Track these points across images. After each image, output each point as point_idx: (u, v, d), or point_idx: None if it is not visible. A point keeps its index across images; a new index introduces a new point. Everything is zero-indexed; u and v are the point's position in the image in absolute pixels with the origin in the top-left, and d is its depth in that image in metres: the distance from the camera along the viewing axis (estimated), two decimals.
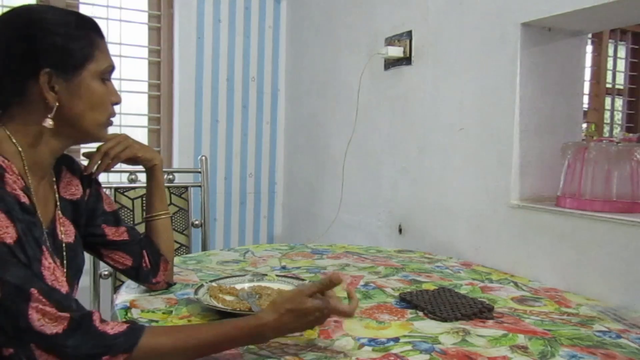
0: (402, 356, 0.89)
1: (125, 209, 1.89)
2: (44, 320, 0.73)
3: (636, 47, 3.75)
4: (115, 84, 1.00)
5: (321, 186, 2.57)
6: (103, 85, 0.93)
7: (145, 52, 2.67)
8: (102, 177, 1.15)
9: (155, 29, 2.68)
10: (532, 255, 1.46)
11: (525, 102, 1.51)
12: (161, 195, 1.19)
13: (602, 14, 1.35)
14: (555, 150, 1.53)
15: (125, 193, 1.91)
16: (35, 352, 0.73)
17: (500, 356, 0.91)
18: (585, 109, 3.40)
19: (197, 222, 2.07)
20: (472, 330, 1.02)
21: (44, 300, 0.74)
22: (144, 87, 2.69)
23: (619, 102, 3.75)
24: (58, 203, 0.98)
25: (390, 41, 2.00)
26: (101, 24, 0.96)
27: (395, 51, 1.94)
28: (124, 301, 1.12)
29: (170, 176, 2.00)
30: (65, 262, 0.96)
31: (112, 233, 1.10)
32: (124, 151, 1.09)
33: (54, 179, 0.99)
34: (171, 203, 1.96)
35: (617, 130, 3.70)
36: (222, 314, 1.02)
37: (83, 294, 1.10)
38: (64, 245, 0.96)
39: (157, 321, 1.01)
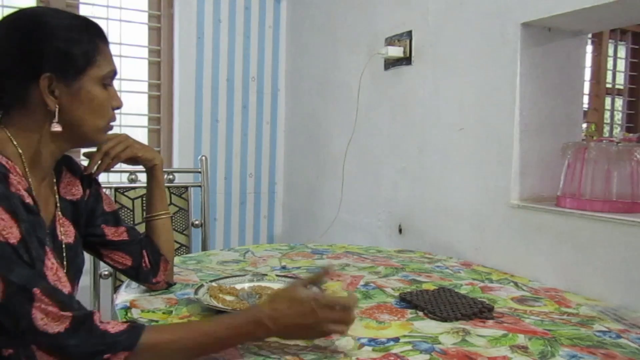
0: (402, 356, 0.89)
1: (125, 209, 1.89)
2: (47, 319, 0.74)
3: (636, 47, 3.75)
4: (116, 84, 1.00)
5: (321, 186, 2.57)
6: (104, 90, 0.93)
7: (145, 52, 2.67)
8: (102, 177, 1.15)
9: (155, 29, 2.68)
10: (532, 255, 1.46)
11: (525, 102, 1.51)
12: (161, 195, 1.19)
13: (602, 14, 1.35)
14: (555, 150, 1.53)
15: (125, 193, 1.91)
16: (36, 352, 0.73)
17: (501, 356, 0.91)
18: (585, 109, 3.40)
19: (197, 222, 2.07)
20: (472, 330, 1.02)
21: (47, 300, 0.74)
22: (144, 87, 2.69)
23: (619, 102, 3.75)
24: (58, 204, 0.99)
25: (390, 41, 2.00)
26: (101, 24, 0.96)
27: (395, 51, 1.94)
28: (124, 301, 1.12)
29: (171, 176, 2.00)
30: (65, 262, 0.96)
31: (111, 233, 1.10)
32: (125, 151, 1.09)
33: (54, 180, 1.00)
34: (171, 203, 1.96)
35: (617, 130, 3.70)
36: (222, 314, 1.02)
37: (83, 294, 1.10)
38: (64, 245, 0.97)
39: (157, 321, 1.02)
